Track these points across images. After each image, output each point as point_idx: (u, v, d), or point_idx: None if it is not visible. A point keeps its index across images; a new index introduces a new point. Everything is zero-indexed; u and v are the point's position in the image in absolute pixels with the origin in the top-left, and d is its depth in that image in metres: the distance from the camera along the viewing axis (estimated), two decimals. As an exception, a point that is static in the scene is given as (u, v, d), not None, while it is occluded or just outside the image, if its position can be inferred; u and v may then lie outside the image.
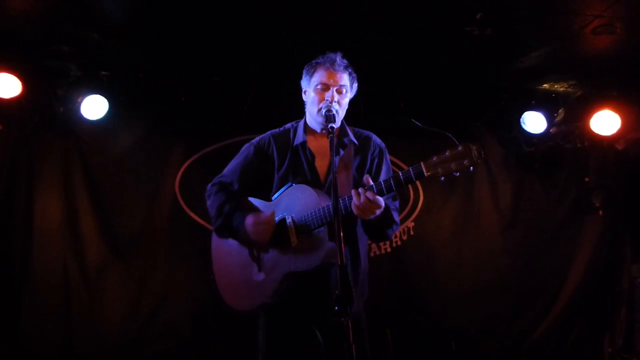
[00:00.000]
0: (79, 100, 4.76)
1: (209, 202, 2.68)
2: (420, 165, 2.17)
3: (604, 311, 5.53)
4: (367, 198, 2.21)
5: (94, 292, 5.09)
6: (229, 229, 2.56)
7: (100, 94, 4.78)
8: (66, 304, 5.02)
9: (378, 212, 2.28)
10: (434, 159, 2.14)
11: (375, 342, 4.71)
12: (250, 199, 2.67)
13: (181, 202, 5.28)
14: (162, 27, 4.11)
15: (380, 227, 2.45)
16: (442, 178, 2.12)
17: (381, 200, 2.26)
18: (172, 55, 4.63)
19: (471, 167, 2.07)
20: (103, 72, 4.85)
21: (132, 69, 4.85)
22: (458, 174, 2.10)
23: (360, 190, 2.24)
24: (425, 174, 2.15)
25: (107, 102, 4.80)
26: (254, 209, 2.61)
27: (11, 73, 4.50)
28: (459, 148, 2.09)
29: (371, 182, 2.27)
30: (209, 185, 2.73)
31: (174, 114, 5.23)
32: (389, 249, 5.48)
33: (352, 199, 2.30)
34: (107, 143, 5.23)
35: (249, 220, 2.48)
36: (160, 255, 5.23)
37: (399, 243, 5.50)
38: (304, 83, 2.68)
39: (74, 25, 4.06)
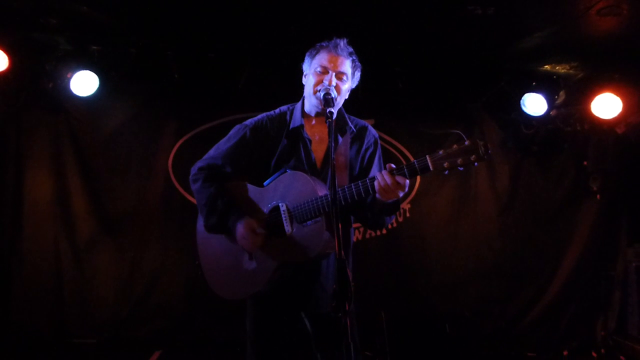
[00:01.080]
0: (68, 75, 4.63)
1: (195, 187, 2.55)
2: (426, 158, 2.12)
3: (598, 294, 5.53)
4: (395, 180, 2.15)
5: (86, 270, 5.06)
6: (222, 228, 2.47)
7: (91, 70, 4.65)
8: (57, 282, 4.99)
9: (401, 194, 2.23)
10: (440, 152, 2.10)
11: (370, 324, 4.71)
12: (243, 184, 2.57)
13: (174, 181, 5.21)
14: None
15: (388, 211, 2.40)
16: (446, 172, 2.08)
17: (407, 183, 2.20)
18: (165, 30, 4.49)
19: (476, 163, 2.03)
20: (93, 47, 4.71)
21: (124, 43, 4.71)
22: (462, 168, 2.05)
23: (385, 172, 2.19)
24: (430, 167, 2.12)
25: (97, 78, 4.67)
26: (246, 197, 2.51)
27: (-4, 47, 4.36)
28: (466, 143, 2.05)
29: (393, 166, 2.22)
30: (196, 168, 2.59)
31: (167, 90, 5.12)
32: (384, 231, 5.44)
33: (351, 189, 2.24)
34: (98, 120, 5.13)
35: (240, 229, 2.39)
36: (152, 234, 5.18)
37: (394, 225, 5.47)
38: (305, 66, 2.58)
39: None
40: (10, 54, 4.41)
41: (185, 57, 4.84)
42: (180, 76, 4.90)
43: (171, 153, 5.23)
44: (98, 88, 4.70)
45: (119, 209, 5.14)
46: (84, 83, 4.66)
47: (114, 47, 4.74)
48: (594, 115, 5.09)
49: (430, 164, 2.11)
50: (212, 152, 2.61)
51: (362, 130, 2.64)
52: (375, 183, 2.20)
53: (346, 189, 2.26)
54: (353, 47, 2.58)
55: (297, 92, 2.73)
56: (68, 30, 4.44)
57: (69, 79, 4.63)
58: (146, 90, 5.19)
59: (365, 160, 2.61)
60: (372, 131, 2.68)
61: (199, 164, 2.60)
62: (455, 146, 2.07)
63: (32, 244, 4.96)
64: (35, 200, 5.01)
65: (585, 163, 5.59)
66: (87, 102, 4.84)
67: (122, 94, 5.11)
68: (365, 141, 2.62)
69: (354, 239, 5.21)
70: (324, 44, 2.49)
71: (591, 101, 5.05)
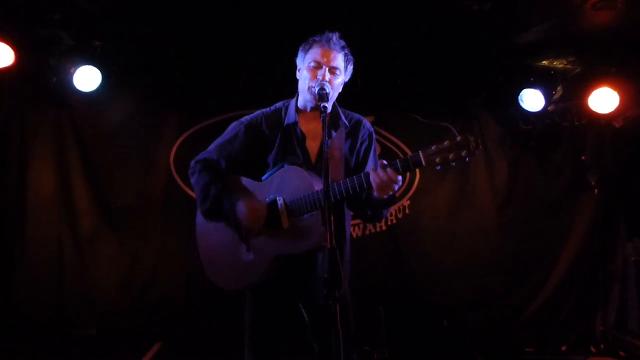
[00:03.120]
0: (71, 70, 4.69)
1: (193, 180, 2.63)
2: (419, 154, 2.19)
3: (596, 289, 5.53)
4: (389, 176, 2.21)
5: (88, 263, 5.13)
6: (218, 213, 2.52)
7: (93, 65, 4.70)
8: (59, 274, 5.06)
9: (396, 187, 2.29)
10: (433, 148, 2.16)
11: (369, 319, 4.76)
12: (241, 178, 2.63)
13: (175, 176, 5.27)
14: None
15: (385, 205, 2.45)
16: (439, 167, 2.14)
17: (400, 178, 2.26)
18: (166, 26, 4.54)
19: (467, 158, 2.09)
20: (96, 42, 4.76)
21: (126, 39, 4.76)
22: (454, 163, 2.12)
23: (380, 167, 2.23)
24: (423, 163, 2.18)
25: (100, 74, 4.72)
26: (243, 189, 2.58)
27: (3, 42, 4.41)
28: (458, 139, 2.12)
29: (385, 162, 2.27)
30: (193, 161, 2.67)
31: (169, 86, 5.18)
32: (384, 227, 5.49)
33: (346, 184, 2.29)
34: (101, 115, 5.20)
35: (241, 207, 2.45)
36: (153, 228, 5.25)
37: (394, 221, 5.51)
38: (298, 61, 2.63)
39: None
40: (15, 49, 4.46)
41: (187, 54, 4.89)
42: (182, 72, 4.97)
43: (173, 148, 5.29)
44: (100, 83, 4.76)
45: (121, 202, 5.20)
46: (86, 78, 4.72)
47: (116, 43, 4.79)
48: (592, 110, 5.09)
49: (422, 159, 2.17)
50: (209, 147, 2.69)
51: (357, 125, 2.68)
52: (371, 179, 2.25)
53: (341, 184, 2.32)
54: (352, 44, 2.62)
55: (296, 86, 2.78)
56: (72, 25, 4.50)
57: (72, 74, 4.69)
58: (148, 85, 5.25)
59: (361, 155, 2.66)
60: (367, 125, 2.72)
61: (196, 158, 2.68)
62: (447, 142, 2.14)
63: (35, 237, 5.03)
64: (38, 193, 5.07)
65: (583, 157, 5.60)
66: (90, 97, 4.89)
67: (124, 89, 5.17)
68: (360, 135, 2.66)
69: (354, 235, 5.32)
70: (317, 39, 2.53)
71: (588, 96, 5.05)
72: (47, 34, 4.62)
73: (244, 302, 2.67)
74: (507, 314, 5.50)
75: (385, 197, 2.32)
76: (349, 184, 2.30)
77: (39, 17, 4.34)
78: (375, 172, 2.24)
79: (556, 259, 5.59)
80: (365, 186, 2.28)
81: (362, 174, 2.30)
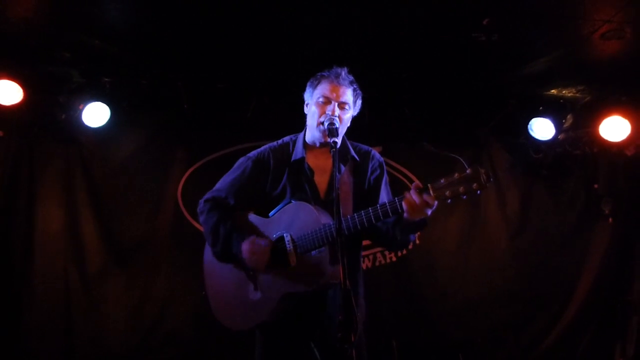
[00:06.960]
0: (80, 107, 4.71)
1: (201, 219, 2.60)
2: (428, 187, 2.12)
3: (614, 320, 5.41)
4: (423, 199, 2.15)
5: (95, 299, 5.05)
6: (229, 255, 2.47)
7: (102, 101, 4.72)
8: (67, 311, 4.97)
9: (429, 211, 2.21)
10: (442, 181, 2.11)
11: (381, 353, 4.65)
12: (248, 215, 2.59)
13: (183, 210, 5.23)
14: (165, 33, 4.06)
15: (415, 229, 2.40)
16: (449, 200, 2.08)
17: (436, 202, 2.19)
18: (174, 61, 4.58)
19: (479, 191, 2.03)
20: (105, 79, 4.79)
21: (135, 75, 4.80)
22: (465, 197, 2.05)
23: (414, 189, 2.18)
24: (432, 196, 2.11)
25: (108, 109, 4.74)
26: (252, 227, 2.53)
27: (12, 80, 4.45)
28: (468, 171, 2.06)
29: (421, 185, 2.22)
30: (202, 201, 2.63)
31: (177, 121, 5.19)
32: (394, 258, 5.41)
33: (354, 219, 2.24)
34: (109, 150, 5.19)
35: (245, 247, 2.40)
36: (162, 263, 5.18)
37: (404, 252, 5.42)
38: (306, 95, 2.61)
39: (76, 32, 4.02)
40: (25, 87, 4.49)
41: (194, 88, 4.91)
42: (190, 106, 4.97)
43: (180, 182, 5.26)
44: (109, 119, 4.76)
45: (129, 238, 5.15)
46: (95, 114, 4.72)
47: (125, 79, 4.82)
48: (603, 138, 5.07)
49: (431, 192, 2.11)
50: (217, 184, 2.67)
51: (366, 156, 2.65)
52: (404, 203, 2.18)
53: (356, 217, 2.25)
54: (359, 77, 2.61)
55: (303, 120, 2.76)
56: (81, 63, 4.54)
57: (81, 111, 4.71)
58: (156, 120, 5.25)
59: (372, 184, 2.61)
60: (377, 156, 2.69)
61: (205, 197, 2.64)
62: (456, 175, 2.08)
63: (42, 273, 4.96)
64: (46, 229, 5.03)
65: (595, 186, 5.55)
66: (99, 132, 4.90)
67: (133, 125, 5.18)
68: (370, 165, 2.63)
69: (364, 266, 5.23)
70: (325, 74, 2.52)
71: (599, 124, 5.03)
72: (56, 71, 4.66)
73: (253, 340, 2.60)
74: (524, 346, 5.37)
75: (417, 219, 2.25)
76: (371, 213, 2.23)
77: (49, 55, 4.38)
78: (410, 195, 2.18)
79: (573, 290, 5.51)
80: (399, 210, 2.21)
81: (395, 198, 2.24)
